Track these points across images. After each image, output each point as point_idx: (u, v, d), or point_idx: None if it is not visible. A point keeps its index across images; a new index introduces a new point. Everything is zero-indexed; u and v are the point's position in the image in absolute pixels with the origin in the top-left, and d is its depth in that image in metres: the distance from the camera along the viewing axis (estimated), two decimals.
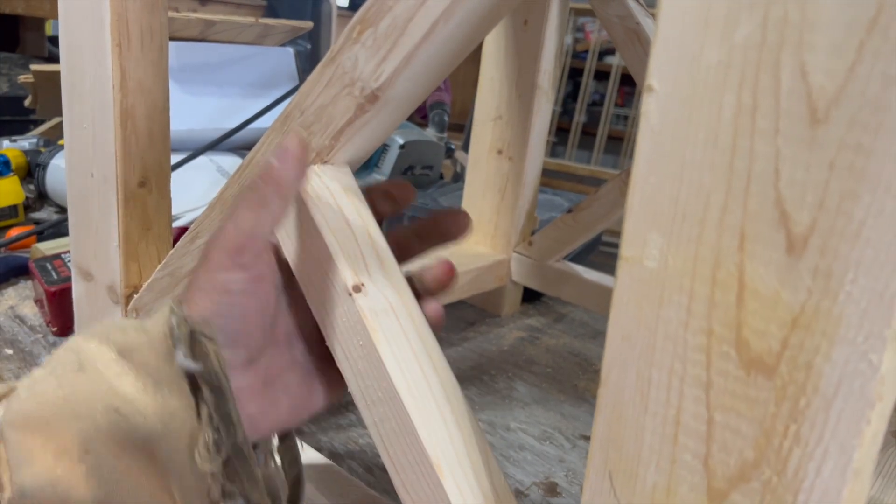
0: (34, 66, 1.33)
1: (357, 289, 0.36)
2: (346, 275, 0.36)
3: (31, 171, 1.19)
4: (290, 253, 0.39)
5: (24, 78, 1.38)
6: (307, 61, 1.59)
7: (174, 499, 0.32)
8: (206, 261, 0.36)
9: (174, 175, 0.57)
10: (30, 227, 0.99)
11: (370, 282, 0.36)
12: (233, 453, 0.33)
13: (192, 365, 0.33)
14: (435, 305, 0.41)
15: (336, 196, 0.38)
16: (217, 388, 0.33)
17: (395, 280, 0.38)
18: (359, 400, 0.37)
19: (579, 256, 1.00)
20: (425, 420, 0.35)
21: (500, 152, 0.85)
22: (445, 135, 1.56)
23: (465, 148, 1.39)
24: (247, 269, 0.35)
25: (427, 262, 0.42)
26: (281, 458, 0.41)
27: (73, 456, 0.31)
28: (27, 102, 1.41)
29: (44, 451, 0.31)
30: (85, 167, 0.53)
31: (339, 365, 0.38)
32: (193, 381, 0.33)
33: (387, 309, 0.36)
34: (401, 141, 1.21)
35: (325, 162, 0.39)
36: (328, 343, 0.38)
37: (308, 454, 0.50)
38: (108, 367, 0.33)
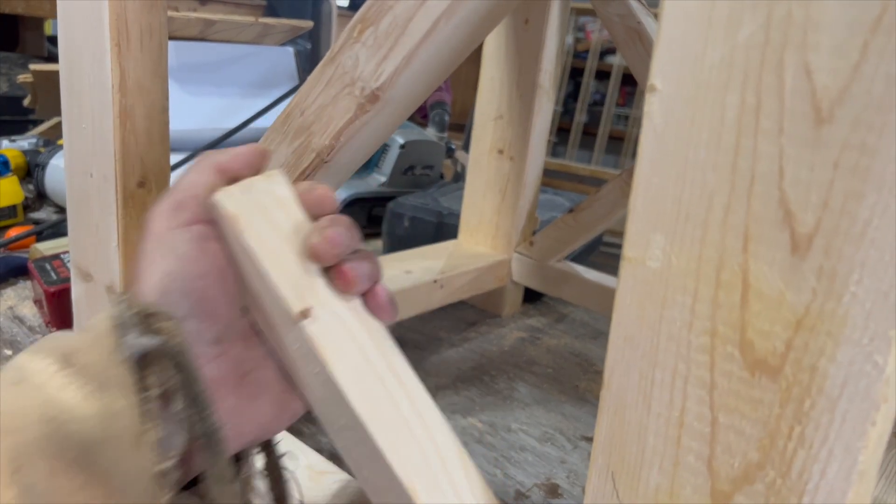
0: (33, 66, 1.33)
1: (304, 314, 0.32)
2: (291, 301, 0.32)
3: (31, 171, 1.19)
4: (245, 269, 0.35)
5: (23, 78, 1.38)
6: (307, 61, 1.59)
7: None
8: (148, 230, 0.34)
9: (174, 175, 0.57)
10: (29, 228, 0.99)
11: (317, 303, 0.33)
12: (204, 436, 0.31)
13: (147, 341, 0.30)
14: (379, 291, 0.35)
15: (269, 212, 0.34)
16: (181, 364, 0.31)
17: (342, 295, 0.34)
18: (325, 426, 0.35)
19: (580, 256, 1.00)
20: (393, 443, 0.32)
21: (500, 152, 0.85)
22: (446, 134, 1.56)
23: (466, 148, 1.39)
24: (190, 226, 0.33)
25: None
26: (266, 474, 0.37)
27: (2, 478, 0.28)
28: (26, 102, 1.41)
29: None
30: (84, 167, 0.53)
31: (303, 390, 0.35)
32: (146, 376, 0.30)
33: (338, 330, 0.33)
34: (401, 141, 1.21)
35: (326, 162, 0.38)
36: (291, 372, 0.35)
37: (308, 456, 0.50)
38: (49, 380, 0.30)
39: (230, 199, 0.33)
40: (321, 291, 0.33)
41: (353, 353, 0.33)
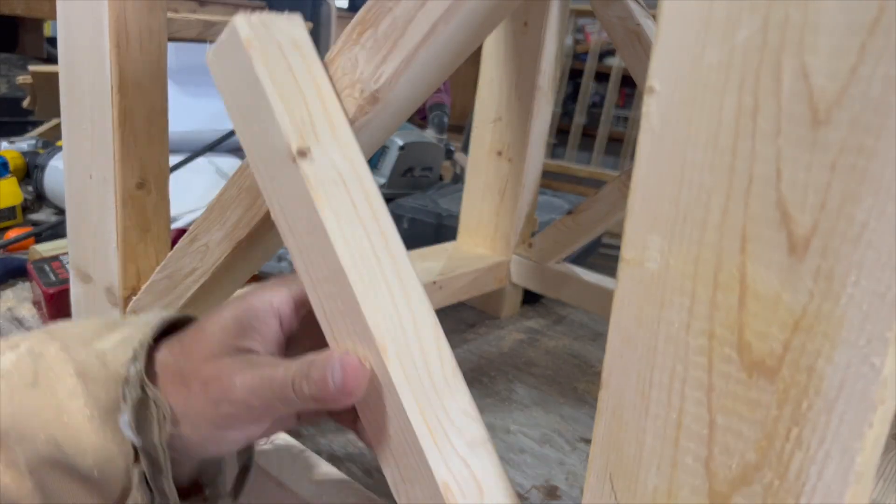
0: (33, 67, 1.33)
1: (302, 154, 0.32)
2: (291, 138, 0.32)
3: (30, 173, 1.19)
4: (231, 110, 0.35)
5: (22, 79, 1.38)
6: None
7: None
8: (202, 335, 0.35)
9: (173, 176, 0.57)
10: (28, 229, 0.99)
11: (318, 147, 0.32)
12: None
13: (131, 436, 0.33)
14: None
15: (284, 50, 0.34)
16: (154, 462, 0.33)
17: (347, 146, 0.34)
18: (303, 277, 0.34)
19: (579, 258, 1.00)
20: (371, 299, 0.31)
21: (499, 154, 0.85)
22: (445, 136, 1.56)
23: (465, 149, 1.39)
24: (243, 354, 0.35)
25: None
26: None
27: (20, 469, 0.33)
28: (25, 103, 1.41)
29: None
30: (83, 168, 0.53)
31: (284, 240, 0.35)
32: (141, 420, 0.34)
33: (335, 178, 0.33)
34: (400, 142, 1.21)
35: None
36: (273, 218, 0.34)
37: (307, 457, 0.50)
38: (61, 383, 0.33)
39: (247, 26, 0.33)
40: (324, 137, 0.33)
41: (345, 202, 0.32)
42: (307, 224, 0.32)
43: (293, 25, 0.34)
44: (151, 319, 0.36)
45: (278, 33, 0.34)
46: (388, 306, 0.32)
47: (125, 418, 0.33)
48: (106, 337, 0.35)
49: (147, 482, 0.34)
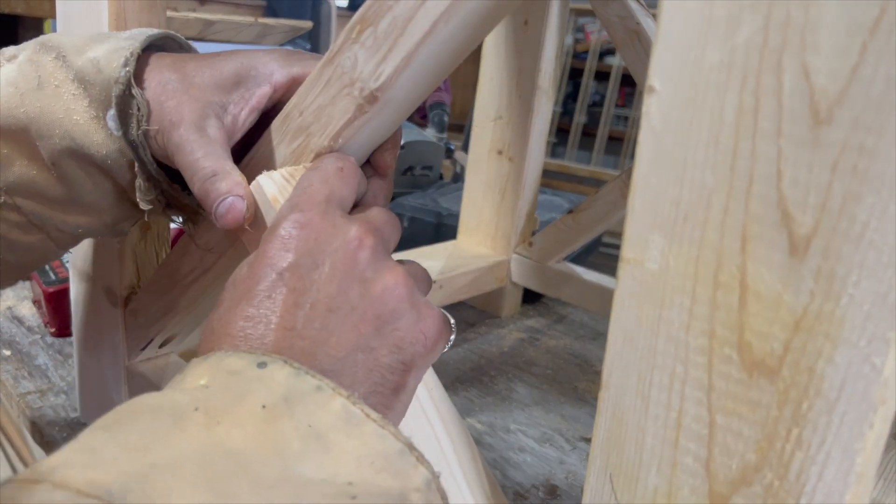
0: None
1: None
2: None
3: None
4: (249, 246, 0.38)
5: None
6: None
7: (125, 196, 0.41)
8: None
9: None
10: None
11: None
12: (166, 202, 0.41)
13: (114, 129, 0.38)
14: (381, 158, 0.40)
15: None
16: (138, 156, 0.38)
17: None
18: None
19: (579, 257, 1.00)
20: (415, 428, 0.33)
21: (500, 153, 0.85)
22: (445, 135, 1.56)
23: (465, 148, 1.39)
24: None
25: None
26: None
27: (43, 164, 0.39)
28: None
29: (19, 156, 0.39)
30: None
31: None
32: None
33: None
34: (400, 141, 1.21)
35: None
36: None
37: None
38: (64, 87, 0.38)
39: (271, 183, 0.36)
40: None
41: None
42: None
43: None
44: (138, 34, 0.39)
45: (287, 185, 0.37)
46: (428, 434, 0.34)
47: (111, 112, 0.37)
48: (96, 47, 0.39)
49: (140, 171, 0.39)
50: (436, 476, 0.26)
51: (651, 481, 0.25)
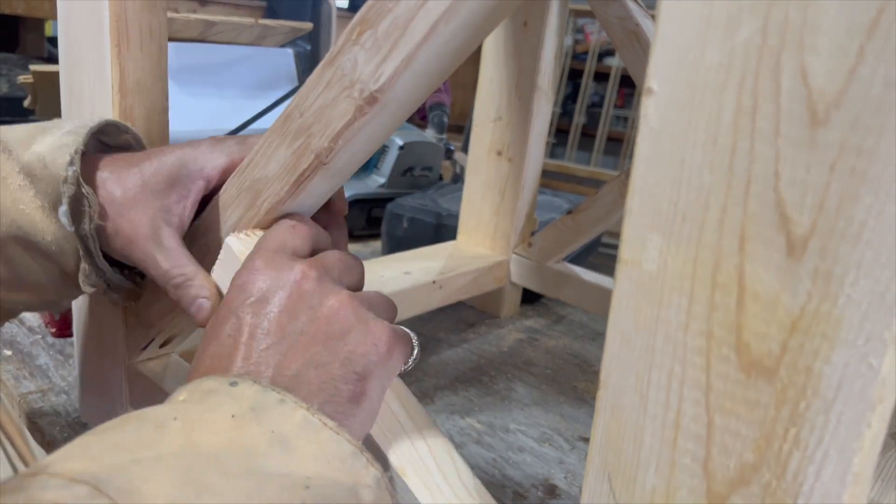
0: (33, 67, 1.33)
1: None
2: None
3: None
4: None
5: (23, 79, 1.38)
6: (307, 62, 1.59)
7: (69, 278, 0.44)
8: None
9: None
10: None
11: None
12: (107, 285, 0.45)
13: (67, 224, 0.41)
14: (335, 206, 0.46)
15: None
16: (85, 246, 0.42)
17: None
18: None
19: (579, 258, 1.00)
20: (386, 426, 0.36)
21: (499, 153, 0.85)
22: (445, 136, 1.56)
23: (465, 149, 1.39)
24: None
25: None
26: None
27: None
28: (26, 103, 1.41)
29: None
30: None
31: None
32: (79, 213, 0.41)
33: None
34: (400, 142, 1.21)
35: (325, 164, 0.38)
36: None
37: None
38: (11, 179, 0.41)
39: (238, 244, 0.41)
40: None
41: None
42: None
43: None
44: (80, 128, 0.42)
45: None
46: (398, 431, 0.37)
47: (63, 209, 0.40)
48: (40, 140, 0.42)
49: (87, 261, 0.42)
50: (385, 475, 0.31)
51: (649, 481, 0.25)
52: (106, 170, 0.43)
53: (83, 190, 0.40)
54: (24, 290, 0.44)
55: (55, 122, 0.44)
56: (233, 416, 0.29)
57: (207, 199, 0.45)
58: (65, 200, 0.40)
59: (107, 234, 0.42)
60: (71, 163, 0.40)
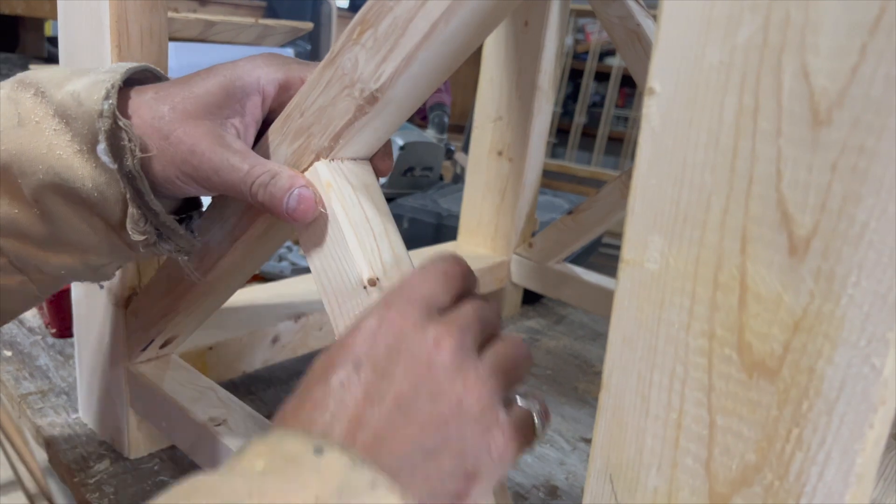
0: (34, 67, 1.33)
1: (373, 283, 0.36)
2: (363, 269, 0.36)
3: None
4: (303, 241, 0.39)
5: None
6: None
7: (113, 231, 0.40)
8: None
9: None
10: None
11: (385, 278, 0.37)
12: (157, 228, 0.40)
13: (108, 161, 0.38)
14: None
15: (357, 191, 0.38)
16: (133, 183, 0.38)
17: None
18: None
19: (579, 258, 1.00)
20: None
21: (500, 153, 0.85)
22: (445, 136, 1.56)
23: (465, 149, 1.39)
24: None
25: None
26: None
27: (25, 202, 0.39)
28: None
29: (0, 195, 0.39)
30: None
31: None
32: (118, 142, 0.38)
33: None
34: (400, 142, 1.21)
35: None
36: (337, 337, 0.38)
37: None
38: (45, 122, 0.38)
39: (327, 170, 0.38)
40: (390, 269, 0.37)
41: None
42: None
43: (363, 170, 0.40)
44: (118, 68, 0.39)
45: (351, 176, 0.39)
46: None
47: (102, 146, 0.37)
48: (76, 80, 0.38)
49: (137, 202, 0.39)
50: None
51: (651, 482, 0.25)
52: (149, 92, 0.39)
53: (120, 123, 0.37)
54: (65, 250, 0.40)
55: (92, 67, 0.41)
56: (316, 497, 0.25)
57: (268, 123, 0.41)
58: (102, 136, 0.37)
59: (154, 169, 0.38)
60: (107, 97, 0.37)
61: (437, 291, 0.32)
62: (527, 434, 0.32)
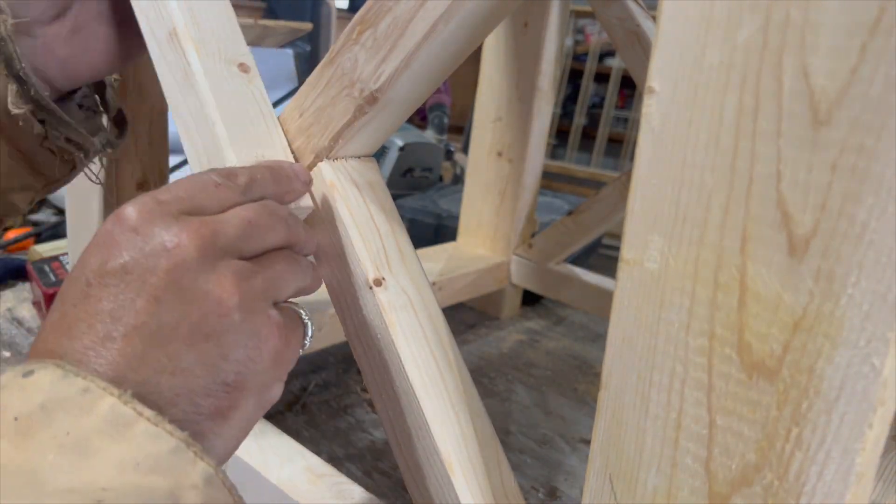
0: None
1: (378, 283, 0.36)
2: (368, 268, 0.36)
3: None
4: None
5: None
6: (306, 63, 1.59)
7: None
8: None
9: (173, 177, 0.57)
10: (28, 230, 0.99)
11: (391, 277, 0.37)
12: (34, 103, 0.39)
13: None
14: None
15: (362, 190, 0.39)
16: (4, 50, 0.37)
17: (415, 276, 0.39)
18: (375, 395, 0.38)
19: (579, 259, 1.00)
20: (439, 417, 0.35)
21: (499, 154, 0.85)
22: (445, 137, 1.56)
23: (465, 150, 1.39)
24: None
25: None
26: (100, 104, 0.46)
27: None
28: None
29: None
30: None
31: (357, 359, 0.39)
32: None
33: (406, 304, 0.37)
34: (400, 143, 1.21)
35: None
36: (346, 337, 0.39)
37: (307, 458, 0.50)
38: None
39: (331, 170, 0.38)
40: (396, 268, 0.38)
41: (416, 327, 0.37)
42: (380, 345, 0.37)
43: (368, 168, 0.40)
44: None
45: (356, 175, 0.39)
46: (453, 425, 0.36)
47: None
48: None
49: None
50: (219, 470, 0.24)
51: (651, 482, 0.25)
52: None
53: None
54: None
55: None
56: (16, 418, 0.22)
57: None
58: None
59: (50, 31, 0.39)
60: None
61: (197, 195, 0.29)
62: (296, 327, 0.30)
